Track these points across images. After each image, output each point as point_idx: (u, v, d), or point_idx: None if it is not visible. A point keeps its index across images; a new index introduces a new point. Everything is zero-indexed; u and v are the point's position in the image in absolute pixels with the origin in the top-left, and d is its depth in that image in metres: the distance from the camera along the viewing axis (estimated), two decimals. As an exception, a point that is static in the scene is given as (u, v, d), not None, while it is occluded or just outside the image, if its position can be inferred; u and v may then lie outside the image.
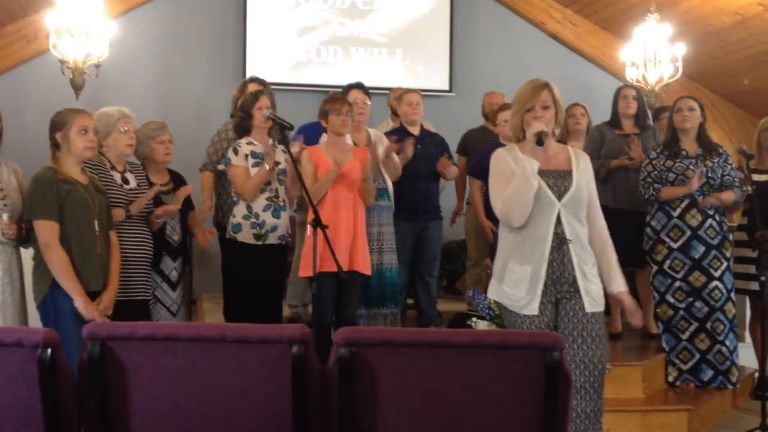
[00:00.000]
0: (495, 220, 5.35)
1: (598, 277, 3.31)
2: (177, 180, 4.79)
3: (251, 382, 2.16)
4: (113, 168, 4.24)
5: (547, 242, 3.21)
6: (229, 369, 2.15)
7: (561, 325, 3.28)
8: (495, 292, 3.35)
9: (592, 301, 3.26)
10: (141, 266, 4.24)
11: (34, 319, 3.77)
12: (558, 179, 3.27)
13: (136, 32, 7.89)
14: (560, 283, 3.23)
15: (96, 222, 3.76)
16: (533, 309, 3.22)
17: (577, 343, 3.25)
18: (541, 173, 3.24)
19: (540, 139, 3.19)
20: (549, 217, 3.22)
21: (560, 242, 3.22)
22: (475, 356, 2.16)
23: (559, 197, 3.24)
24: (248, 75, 8.11)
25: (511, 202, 3.20)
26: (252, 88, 5.05)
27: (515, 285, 3.24)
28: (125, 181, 4.26)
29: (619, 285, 3.33)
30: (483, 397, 2.15)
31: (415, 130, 5.43)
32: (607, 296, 3.38)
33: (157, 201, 4.47)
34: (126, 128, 4.25)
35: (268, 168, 4.46)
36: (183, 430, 2.18)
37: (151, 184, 4.50)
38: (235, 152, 4.55)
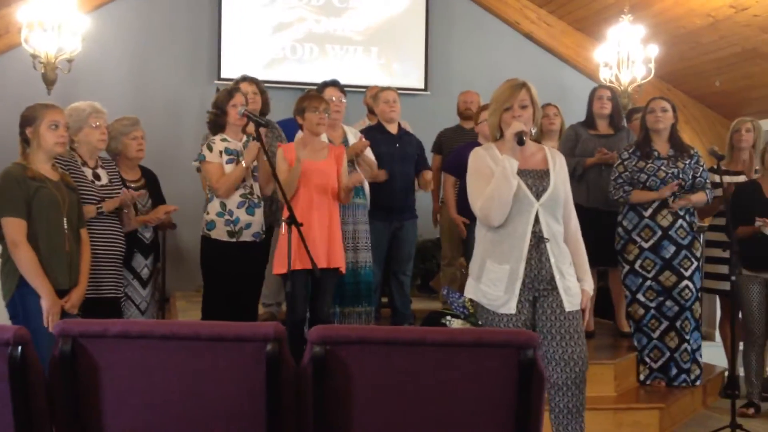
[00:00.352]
0: (468, 215, 5.39)
1: (575, 275, 3.33)
2: (149, 177, 4.76)
3: (225, 381, 2.14)
4: (85, 164, 4.20)
5: (526, 241, 3.23)
6: (203, 367, 2.14)
7: (539, 323, 3.30)
8: (472, 291, 3.36)
9: (571, 299, 3.29)
10: (112, 263, 4.20)
11: (3, 318, 3.72)
12: (536, 179, 3.30)
13: (109, 27, 7.81)
14: (537, 281, 3.26)
15: (65, 219, 3.72)
16: (511, 308, 3.24)
17: (555, 340, 3.29)
18: (520, 173, 3.26)
19: (521, 139, 3.20)
20: (527, 217, 3.24)
21: (538, 241, 3.24)
22: (450, 354, 2.16)
23: (537, 197, 3.27)
24: (223, 71, 8.12)
25: (491, 201, 3.20)
26: (244, 87, 5.02)
27: (493, 284, 3.26)
28: (97, 177, 4.22)
29: (585, 284, 3.38)
30: (458, 395, 2.16)
31: (392, 128, 5.43)
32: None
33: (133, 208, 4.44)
34: (98, 123, 4.21)
35: (245, 164, 4.44)
36: (156, 428, 2.16)
37: (123, 180, 4.46)
38: (210, 149, 4.52)
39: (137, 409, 2.16)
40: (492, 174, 3.24)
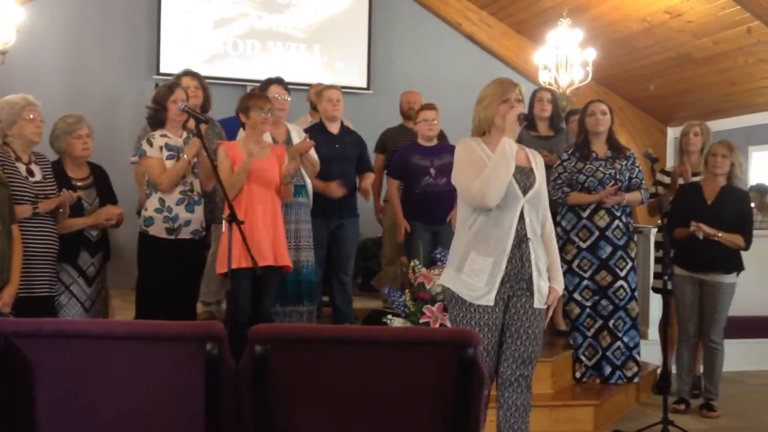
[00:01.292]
0: (412, 216, 5.41)
1: (546, 274, 3.40)
2: (98, 173, 4.65)
3: (163, 381, 2.11)
4: (18, 159, 4.09)
5: (510, 236, 3.27)
6: (141, 367, 2.10)
7: (509, 322, 3.34)
8: (451, 281, 3.36)
9: (541, 298, 3.36)
10: (45, 262, 4.11)
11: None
12: (522, 175, 3.36)
13: (45, 18, 7.61)
14: (516, 280, 3.30)
15: (-5, 216, 3.61)
16: (489, 300, 3.26)
17: (521, 339, 3.35)
18: None
19: (528, 117, 3.33)
20: (513, 211, 3.29)
21: (520, 240, 3.29)
22: (393, 353, 2.17)
23: (524, 192, 3.32)
24: (162, 66, 7.99)
25: (488, 181, 3.22)
26: (186, 82, 4.94)
27: (475, 275, 3.28)
28: (30, 173, 4.12)
29: (556, 283, 3.44)
30: (400, 393, 2.16)
31: (334, 128, 5.41)
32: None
33: (79, 207, 4.34)
34: (32, 116, 4.10)
35: (187, 159, 4.37)
36: (92, 429, 2.11)
37: (69, 179, 4.37)
38: (150, 144, 4.44)
39: (73, 409, 2.11)
40: (484, 161, 3.29)
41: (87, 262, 4.47)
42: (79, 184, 4.48)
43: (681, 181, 5.38)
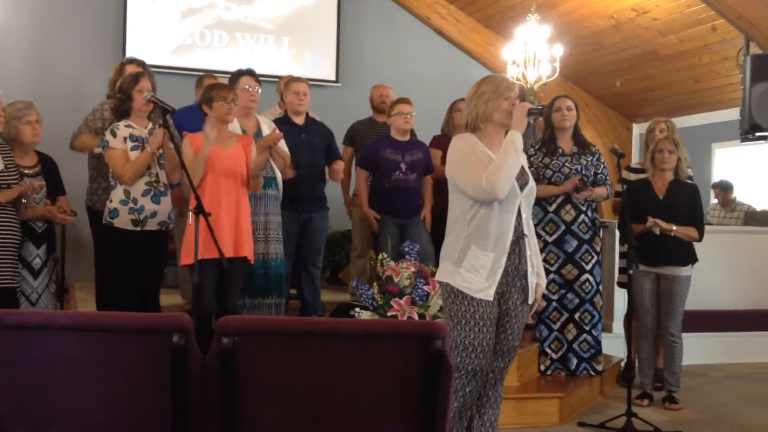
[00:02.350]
0: (380, 210, 5.41)
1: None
2: (46, 163, 4.56)
3: (129, 373, 2.08)
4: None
5: (510, 231, 3.28)
6: (106, 359, 2.07)
7: (502, 317, 3.35)
8: (449, 275, 3.32)
9: (531, 294, 3.39)
10: (7, 253, 4.04)
11: None
12: (518, 172, 3.34)
13: (8, 4, 7.47)
14: (512, 276, 3.32)
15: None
16: (489, 295, 3.26)
17: (505, 333, 3.37)
18: None
19: (542, 112, 3.37)
20: (512, 207, 3.29)
21: (518, 236, 3.31)
22: (361, 345, 2.16)
23: (521, 189, 3.33)
24: (128, 56, 7.86)
25: (499, 172, 3.19)
26: (130, 69, 4.87)
27: (475, 270, 3.26)
28: (-9, 162, 4.04)
29: (541, 279, 3.47)
30: (368, 385, 2.16)
31: (299, 120, 5.38)
32: None
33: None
34: None
35: (151, 150, 4.32)
36: (57, 422, 2.08)
37: (17, 167, 4.29)
38: (114, 135, 4.38)
39: (36, 402, 2.08)
40: (485, 155, 3.28)
41: (31, 253, 4.39)
42: (27, 171, 4.40)
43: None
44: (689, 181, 5.25)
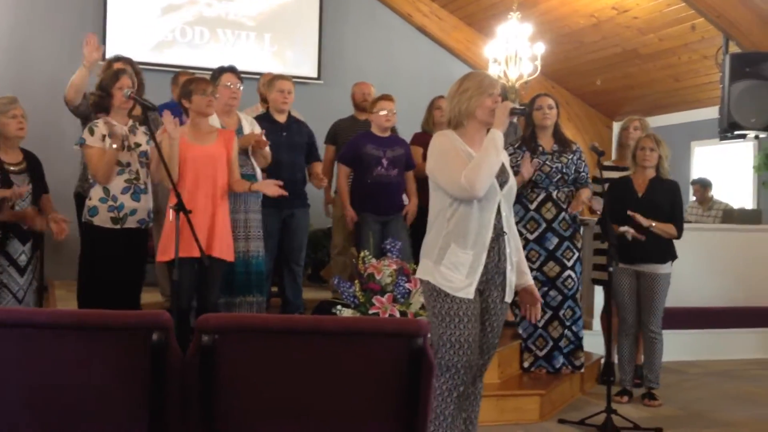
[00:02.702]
0: (361, 206, 5.41)
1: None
2: (31, 160, 4.54)
3: (109, 371, 2.07)
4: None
5: (489, 230, 3.27)
6: (86, 357, 2.06)
7: (483, 314, 3.36)
8: (429, 273, 3.32)
9: (510, 292, 3.40)
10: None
11: None
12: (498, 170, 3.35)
13: (-15, 1, 7.40)
14: (492, 274, 3.32)
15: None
16: (469, 293, 3.26)
17: (485, 330, 3.38)
18: None
19: (525, 112, 3.29)
20: (492, 205, 3.29)
21: (498, 234, 3.31)
22: (343, 343, 2.16)
23: (501, 187, 3.33)
24: (107, 52, 7.80)
25: (479, 170, 3.18)
26: (118, 67, 4.84)
27: (455, 267, 3.26)
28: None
29: (529, 278, 3.49)
30: (350, 383, 2.16)
31: (281, 118, 5.36)
32: None
33: (6, 181, 4.22)
34: None
35: (114, 147, 4.27)
36: (36, 420, 2.07)
37: (1, 163, 4.25)
38: (91, 132, 4.34)
39: (16, 400, 2.06)
40: (466, 153, 3.27)
41: (17, 250, 4.36)
42: (12, 168, 4.37)
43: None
44: (670, 179, 5.29)
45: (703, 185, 8.53)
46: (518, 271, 3.45)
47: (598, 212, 5.22)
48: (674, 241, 5.21)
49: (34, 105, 4.53)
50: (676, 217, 5.19)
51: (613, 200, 5.15)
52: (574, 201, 5.18)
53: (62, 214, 4.52)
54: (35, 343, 2.05)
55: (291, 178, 5.29)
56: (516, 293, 3.51)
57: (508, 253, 3.34)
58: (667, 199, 5.17)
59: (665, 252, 5.18)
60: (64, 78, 7.55)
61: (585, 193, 5.21)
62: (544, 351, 5.26)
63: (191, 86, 4.40)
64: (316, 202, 6.14)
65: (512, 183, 3.41)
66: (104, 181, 4.31)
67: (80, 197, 4.90)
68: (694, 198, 8.66)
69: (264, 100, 6.23)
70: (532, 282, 3.51)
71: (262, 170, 4.96)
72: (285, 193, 4.50)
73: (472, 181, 3.17)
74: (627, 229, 5.01)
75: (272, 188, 4.45)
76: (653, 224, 5.05)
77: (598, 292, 6.17)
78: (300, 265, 5.46)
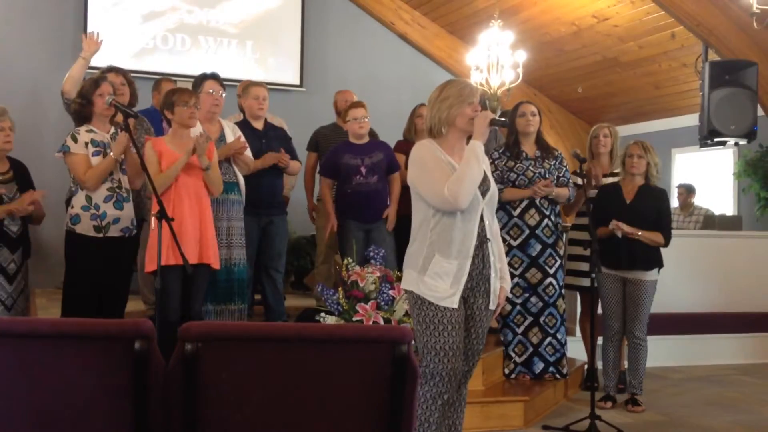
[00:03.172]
0: (344, 215, 5.40)
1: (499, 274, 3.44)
2: (18, 168, 4.52)
3: (90, 381, 2.05)
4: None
5: (473, 238, 3.28)
6: (67, 366, 2.03)
7: (467, 321, 3.36)
8: (414, 284, 3.32)
9: (494, 298, 3.39)
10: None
11: None
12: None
13: (-36, 8, 7.35)
14: (476, 281, 3.32)
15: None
16: (454, 302, 3.26)
17: (470, 337, 3.38)
18: None
19: (506, 123, 3.30)
20: (475, 215, 3.29)
21: (481, 241, 3.31)
22: (326, 350, 2.15)
23: (483, 195, 3.33)
24: (108, 64, 7.77)
25: (461, 182, 3.19)
26: (112, 78, 4.82)
27: (439, 277, 3.26)
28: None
29: (505, 283, 3.48)
30: (334, 390, 2.15)
31: (258, 125, 5.35)
32: None
33: None
34: None
35: (114, 156, 4.26)
36: (15, 430, 2.04)
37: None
38: (74, 140, 4.32)
39: (-6, 411, 2.03)
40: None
41: (7, 258, 4.34)
42: None
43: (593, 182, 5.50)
44: (658, 186, 5.31)
45: (688, 190, 8.60)
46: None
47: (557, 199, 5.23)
48: (662, 248, 5.23)
49: (12, 111, 4.50)
50: (664, 225, 5.21)
51: (601, 206, 5.18)
52: (548, 187, 5.15)
53: (49, 220, 4.50)
54: (14, 352, 2.02)
55: (270, 184, 5.28)
56: None
57: (492, 260, 3.34)
58: (654, 206, 5.19)
59: (650, 259, 5.20)
60: (45, 84, 7.57)
61: (560, 189, 5.20)
62: (523, 357, 5.27)
63: (174, 97, 4.38)
64: (298, 209, 6.13)
65: (494, 190, 3.42)
66: (93, 188, 4.28)
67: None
68: (676, 203, 8.72)
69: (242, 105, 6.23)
70: (506, 287, 3.49)
71: (244, 177, 4.95)
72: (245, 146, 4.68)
73: (455, 193, 3.19)
74: (617, 224, 5.03)
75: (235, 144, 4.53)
76: (639, 233, 5.07)
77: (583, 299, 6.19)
78: (280, 272, 5.43)
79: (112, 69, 5.13)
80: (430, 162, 3.30)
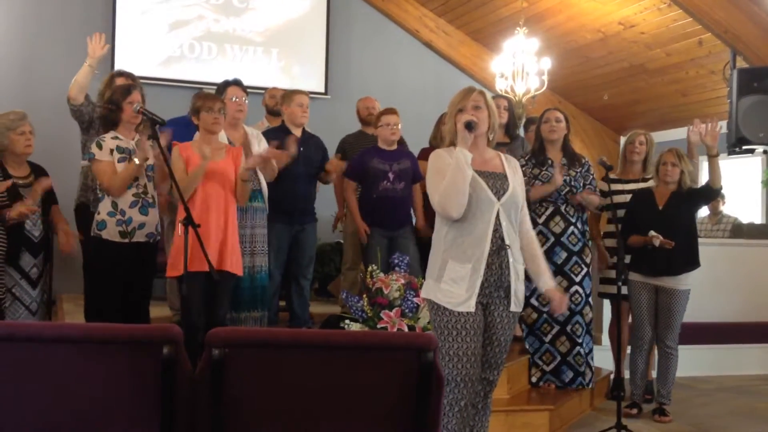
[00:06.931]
0: (368, 221, 5.40)
1: (523, 277, 3.41)
2: (38, 173, 4.59)
3: (119, 385, 2.06)
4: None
5: (487, 241, 3.27)
6: (96, 371, 2.05)
7: (488, 328, 3.34)
8: (431, 291, 3.34)
9: (517, 302, 3.37)
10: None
11: None
12: (496, 180, 3.35)
13: (-3, 17, 7.45)
14: (495, 287, 3.30)
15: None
16: (470, 306, 3.25)
17: (492, 345, 3.36)
18: (480, 174, 3.32)
19: (470, 125, 3.26)
20: (488, 217, 3.28)
21: (499, 247, 3.29)
22: (353, 357, 2.15)
23: (498, 197, 3.31)
24: (116, 67, 7.84)
25: (447, 192, 3.23)
26: (120, 82, 4.86)
27: (455, 283, 3.27)
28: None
29: (547, 281, 3.45)
30: (359, 397, 2.15)
31: (297, 132, 5.37)
32: None
33: (15, 194, 4.24)
34: None
35: (138, 162, 4.29)
36: (45, 435, 2.06)
37: (5, 177, 4.27)
38: (99, 147, 4.35)
39: (24, 415, 2.05)
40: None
41: (29, 263, 4.39)
42: (20, 182, 4.41)
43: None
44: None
45: (721, 196, 8.50)
46: (535, 275, 3.44)
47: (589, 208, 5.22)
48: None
49: (41, 119, 4.57)
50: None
51: (633, 212, 5.14)
52: (581, 193, 5.13)
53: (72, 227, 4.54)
54: (43, 357, 2.04)
55: (305, 192, 5.31)
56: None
57: (511, 265, 3.31)
58: (686, 213, 5.16)
59: (687, 262, 5.15)
60: (73, 93, 7.63)
61: (592, 195, 5.17)
62: (552, 366, 5.22)
63: (199, 103, 4.43)
64: (323, 216, 6.13)
65: (513, 191, 3.36)
66: (118, 194, 4.30)
67: (80, 209, 4.90)
68: (707, 210, 8.61)
69: (270, 113, 6.24)
70: (549, 285, 3.45)
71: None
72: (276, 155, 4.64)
73: (442, 204, 3.26)
74: (655, 235, 5.00)
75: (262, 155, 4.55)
76: (673, 244, 5.02)
77: (607, 308, 6.14)
78: (308, 279, 5.45)
79: (122, 73, 5.18)
80: (433, 171, 3.36)
